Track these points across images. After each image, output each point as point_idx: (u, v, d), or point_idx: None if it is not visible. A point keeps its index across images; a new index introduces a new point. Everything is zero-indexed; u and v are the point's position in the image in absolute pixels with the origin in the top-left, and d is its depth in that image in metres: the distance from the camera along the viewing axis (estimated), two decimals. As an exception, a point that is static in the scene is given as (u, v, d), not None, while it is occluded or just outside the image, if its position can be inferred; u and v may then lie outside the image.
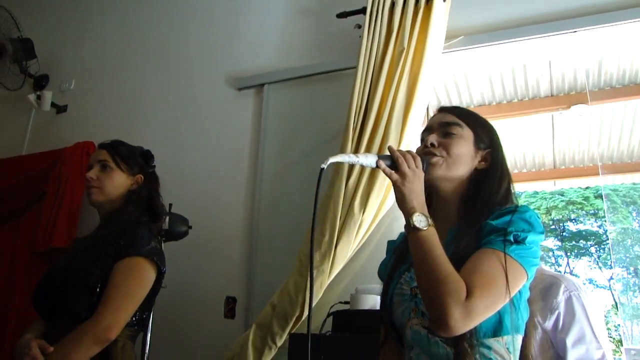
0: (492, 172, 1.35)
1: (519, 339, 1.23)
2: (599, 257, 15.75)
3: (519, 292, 1.20)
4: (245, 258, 2.76)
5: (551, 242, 16.42)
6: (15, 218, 3.35)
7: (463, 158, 1.34)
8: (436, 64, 2.54)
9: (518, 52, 2.75)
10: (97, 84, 3.64)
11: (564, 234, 15.95)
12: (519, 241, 1.17)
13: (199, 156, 3.06)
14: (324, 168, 1.23)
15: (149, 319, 1.95)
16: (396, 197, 1.26)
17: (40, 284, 1.82)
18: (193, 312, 2.76)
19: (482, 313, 1.10)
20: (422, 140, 1.40)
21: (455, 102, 3.79)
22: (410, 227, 1.19)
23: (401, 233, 1.46)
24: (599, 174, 4.58)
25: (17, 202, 3.36)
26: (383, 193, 2.42)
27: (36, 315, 1.84)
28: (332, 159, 1.25)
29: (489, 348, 1.17)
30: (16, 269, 3.14)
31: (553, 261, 16.66)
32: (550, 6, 2.60)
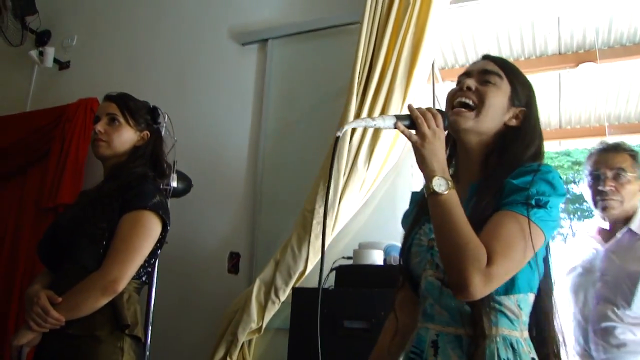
0: (523, 131, 1.31)
1: (531, 296, 1.24)
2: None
3: (536, 253, 1.19)
4: (248, 214, 2.77)
5: (555, 204, 16.48)
6: (20, 174, 3.36)
7: (495, 109, 1.30)
8: (442, 19, 2.50)
9: (526, 8, 2.70)
10: (99, 39, 3.60)
11: (567, 196, 16.01)
12: (540, 205, 1.16)
13: (202, 112, 3.04)
14: (339, 136, 1.19)
15: (154, 272, 1.97)
16: (416, 159, 1.22)
17: (46, 236, 1.84)
18: (197, 267, 2.79)
19: (502, 278, 1.11)
20: (458, 82, 1.35)
21: (460, 60, 3.75)
22: (429, 191, 1.16)
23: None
24: (605, 134, 4.53)
25: (22, 159, 3.37)
26: (387, 149, 2.42)
27: (43, 268, 1.86)
28: (348, 125, 1.22)
29: (500, 304, 1.19)
30: (23, 223, 3.17)
31: (556, 223, 16.74)
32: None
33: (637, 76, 3.97)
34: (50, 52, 3.54)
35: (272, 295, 2.39)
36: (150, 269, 1.85)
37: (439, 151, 1.19)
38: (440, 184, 1.15)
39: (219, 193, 2.85)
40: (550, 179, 1.18)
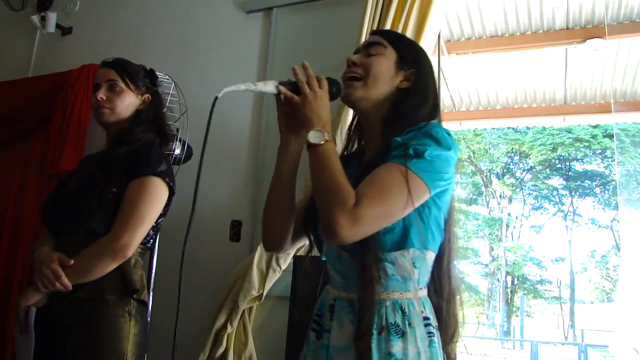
0: (413, 91, 1.35)
1: (430, 255, 1.26)
2: (602, 197, 15.85)
3: (428, 208, 1.22)
4: (250, 182, 2.77)
5: (556, 181, 16.51)
6: (22, 140, 3.35)
7: (382, 76, 1.35)
8: (450, -11, 2.47)
9: (535, -20, 2.67)
10: (102, 5, 3.56)
11: (569, 173, 16.01)
12: (419, 154, 1.17)
13: (205, 80, 3.01)
14: (217, 97, 1.26)
15: (156, 239, 1.99)
16: (300, 120, 1.28)
17: (50, 199, 1.85)
18: (198, 235, 2.80)
19: (372, 221, 1.13)
20: (347, 61, 1.41)
21: (467, 33, 3.71)
22: (307, 144, 1.22)
23: None
24: (610, 112, 4.52)
25: (24, 125, 3.36)
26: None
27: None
28: (228, 89, 1.27)
29: (393, 263, 1.21)
30: (26, 190, 3.17)
31: (557, 200, 16.79)
32: None
33: (645, 53, 3.93)
34: (52, 17, 3.50)
35: (273, 263, 2.40)
36: (154, 235, 1.87)
37: (321, 110, 1.26)
38: (316, 136, 1.21)
39: (221, 161, 2.85)
40: (434, 133, 1.21)
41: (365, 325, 1.17)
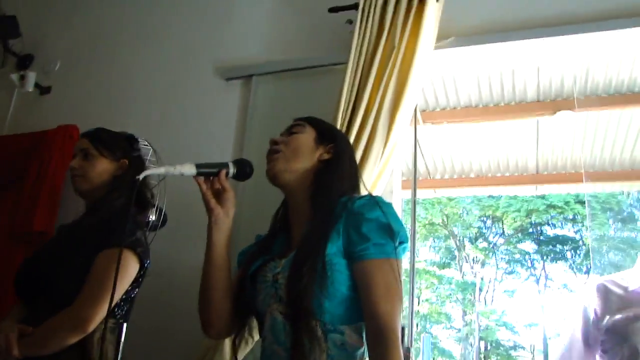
0: (334, 161, 1.48)
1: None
2: (574, 262, 15.99)
3: None
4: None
5: (528, 245, 16.64)
6: (-8, 199, 3.27)
7: (301, 149, 1.48)
8: (426, 63, 2.54)
9: (507, 56, 2.77)
10: (82, 66, 3.58)
11: (541, 237, 16.17)
12: (402, 242, 1.30)
13: (183, 145, 3.01)
14: (139, 179, 1.38)
15: (130, 311, 1.92)
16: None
17: (23, 270, 1.80)
18: (172, 302, 2.73)
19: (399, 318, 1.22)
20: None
21: (442, 103, 3.80)
22: None
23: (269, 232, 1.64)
24: (582, 181, 4.62)
25: (-4, 183, 3.30)
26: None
27: (13, 298, 1.82)
28: (146, 172, 1.41)
29: (343, 333, 1.25)
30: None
31: (529, 264, 16.89)
32: (543, 11, 2.62)
33: (611, 126, 4.07)
34: (31, 76, 3.49)
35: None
36: (127, 308, 1.81)
37: None
38: None
39: (197, 227, 2.79)
40: (393, 211, 1.34)
41: None
